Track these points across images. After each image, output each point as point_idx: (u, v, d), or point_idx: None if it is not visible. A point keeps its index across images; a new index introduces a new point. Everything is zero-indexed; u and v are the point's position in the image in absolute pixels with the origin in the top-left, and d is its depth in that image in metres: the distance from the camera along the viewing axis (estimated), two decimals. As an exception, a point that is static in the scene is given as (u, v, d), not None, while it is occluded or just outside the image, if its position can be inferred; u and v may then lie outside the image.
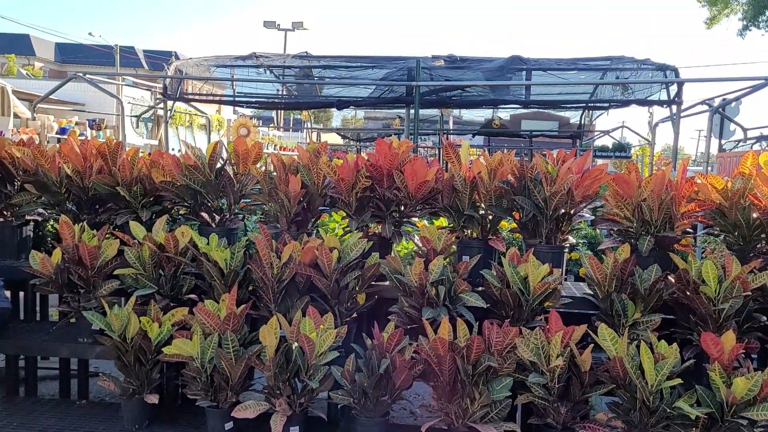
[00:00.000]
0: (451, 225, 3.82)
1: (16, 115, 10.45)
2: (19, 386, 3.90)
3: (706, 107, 7.21)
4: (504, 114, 16.40)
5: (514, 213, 3.75)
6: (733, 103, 11.92)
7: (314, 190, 3.76)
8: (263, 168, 3.94)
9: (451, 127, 17.46)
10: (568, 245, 3.72)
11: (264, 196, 3.79)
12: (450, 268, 3.40)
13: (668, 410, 2.84)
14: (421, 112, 13.54)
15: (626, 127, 12.82)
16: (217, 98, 9.33)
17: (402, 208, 3.77)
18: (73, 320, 3.62)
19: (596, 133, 13.67)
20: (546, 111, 16.26)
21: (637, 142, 16.17)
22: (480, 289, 3.49)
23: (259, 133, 17.07)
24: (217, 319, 3.17)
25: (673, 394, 2.92)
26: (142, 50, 46.48)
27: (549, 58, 8.44)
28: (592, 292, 3.42)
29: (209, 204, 3.82)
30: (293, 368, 3.14)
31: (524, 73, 8.53)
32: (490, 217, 3.75)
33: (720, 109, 6.63)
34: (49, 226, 4.31)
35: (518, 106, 9.22)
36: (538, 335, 3.07)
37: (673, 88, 7.13)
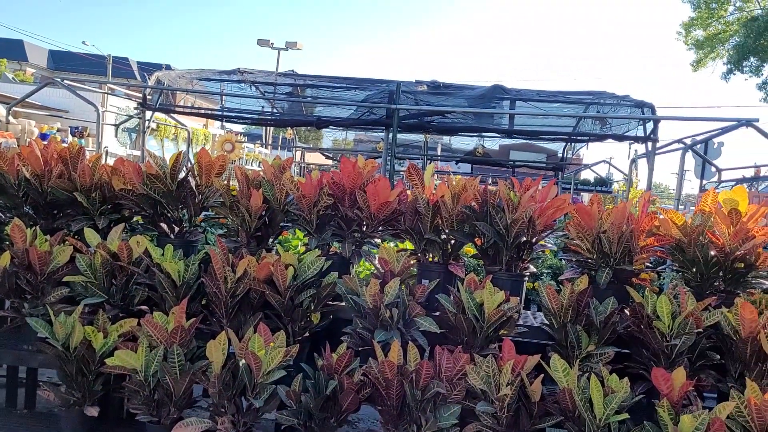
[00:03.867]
0: (414, 248, 3.79)
1: (-5, 118, 10.37)
2: (-39, 392, 3.80)
3: (681, 146, 7.28)
4: (493, 144, 16.52)
5: (476, 239, 3.74)
6: (716, 145, 12.10)
7: (276, 206, 3.73)
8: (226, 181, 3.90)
9: (440, 154, 17.55)
10: (528, 274, 3.70)
11: (225, 209, 3.75)
12: (406, 291, 3.36)
13: (614, 445, 2.80)
14: (407, 137, 13.61)
15: (607, 162, 12.94)
16: (196, 111, 9.29)
17: (364, 228, 3.74)
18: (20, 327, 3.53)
19: (579, 167, 13.77)
20: (534, 143, 16.41)
21: (621, 178, 16.34)
22: (437, 314, 3.45)
23: (244, 149, 17.05)
24: (164, 331, 3.10)
25: (622, 429, 2.89)
26: (136, 62, 46.57)
27: (531, 90, 8.53)
28: (548, 322, 3.40)
29: (169, 215, 3.77)
30: (239, 386, 3.07)
31: (507, 103, 8.60)
32: (452, 241, 3.73)
33: (693, 148, 6.70)
34: (8, 230, 4.22)
35: (499, 134, 9.27)
36: (489, 363, 3.03)
37: (650, 125, 7.21)
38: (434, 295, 3.45)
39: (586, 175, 16.93)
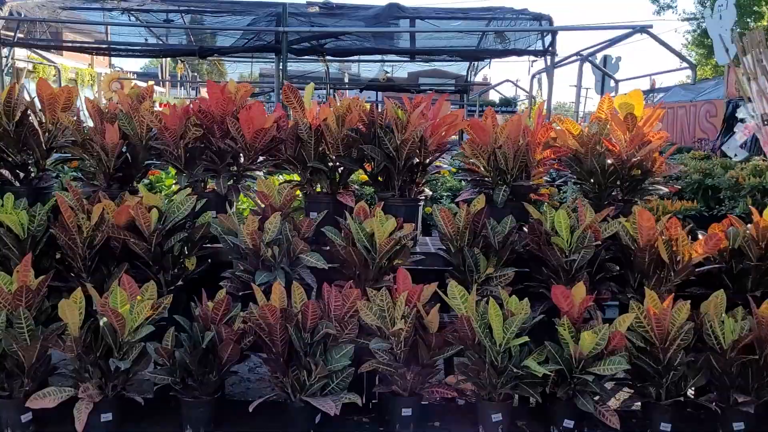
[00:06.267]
0: (300, 179, 3.46)
1: None
2: None
3: (579, 58, 7.19)
4: (401, 72, 16.11)
5: (366, 164, 3.44)
6: (614, 60, 12.24)
7: (137, 142, 3.27)
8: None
9: (347, 84, 16.99)
10: (423, 198, 3.45)
11: (77, 149, 3.26)
12: (290, 227, 3.04)
13: (515, 370, 2.66)
14: (306, 66, 12.98)
15: (511, 81, 12.88)
16: (60, 45, 8.31)
17: (241, 160, 3.36)
18: None
19: (483, 89, 13.65)
20: (442, 69, 16.14)
21: (525, 97, 16.41)
22: (328, 248, 3.16)
23: (134, 88, 15.83)
24: (5, 293, 2.67)
25: (523, 352, 2.75)
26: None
27: (429, 7, 8.17)
28: (445, 247, 3.18)
29: (10, 159, 3.24)
30: (104, 347, 2.70)
31: (406, 22, 8.21)
32: (340, 169, 3.41)
33: (590, 59, 6.61)
34: None
35: (399, 56, 8.90)
36: (384, 296, 2.79)
37: (549, 39, 7.04)
38: (324, 228, 3.15)
39: (493, 97, 16.91)
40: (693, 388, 2.84)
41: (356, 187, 3.61)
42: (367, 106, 3.42)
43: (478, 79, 16.78)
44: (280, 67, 6.67)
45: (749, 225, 3.04)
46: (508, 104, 13.14)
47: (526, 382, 2.71)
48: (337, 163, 3.37)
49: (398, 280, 2.87)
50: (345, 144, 3.31)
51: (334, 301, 2.75)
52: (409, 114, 3.23)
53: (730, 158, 4.12)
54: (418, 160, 3.33)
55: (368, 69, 16.46)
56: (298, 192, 3.47)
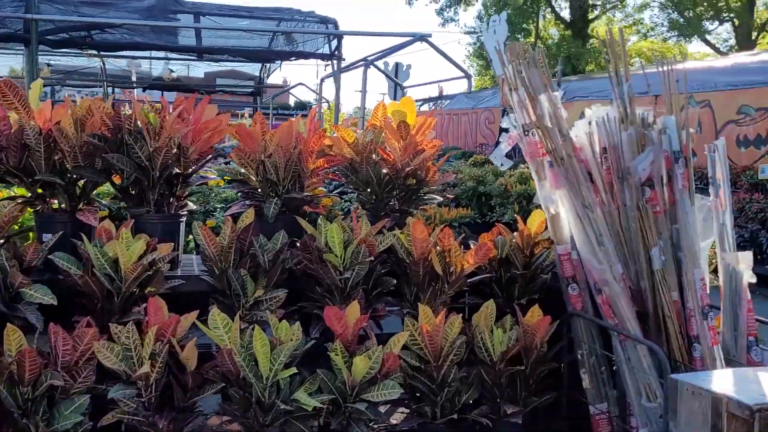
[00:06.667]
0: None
1: None
2: None
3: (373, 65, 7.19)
4: (197, 71, 15.24)
5: (115, 176, 2.95)
6: (405, 68, 12.67)
7: None
8: None
9: (134, 82, 15.67)
10: (186, 212, 3.06)
11: None
12: (8, 255, 2.48)
13: (283, 405, 2.39)
14: (78, 61, 11.67)
15: (303, 84, 12.77)
16: None
17: (-55, 172, 2.70)
18: None
19: (277, 91, 13.38)
20: (240, 70, 15.57)
21: (322, 100, 16.43)
22: (62, 278, 2.63)
23: None
24: None
25: (294, 384, 2.49)
26: None
27: (211, 3, 7.67)
28: (208, 269, 2.82)
29: None
30: None
31: (189, 18, 7.62)
32: (82, 182, 2.89)
33: (375, 64, 6.64)
34: None
35: (177, 53, 8.27)
36: (130, 333, 2.36)
37: (336, 43, 6.96)
38: (55, 254, 2.62)
39: (291, 100, 16.69)
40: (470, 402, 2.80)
41: (105, 202, 3.10)
42: (109, 107, 2.95)
43: (278, 81, 16.52)
44: (33, 60, 5.75)
45: (516, 233, 3.10)
46: (303, 108, 13.00)
47: (297, 417, 2.45)
48: (77, 176, 2.85)
49: (149, 311, 2.46)
50: (86, 153, 2.81)
51: (62, 344, 2.26)
52: (163, 118, 2.82)
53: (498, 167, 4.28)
54: (178, 171, 2.93)
55: (158, 67, 15.39)
56: (30, 210, 2.89)
